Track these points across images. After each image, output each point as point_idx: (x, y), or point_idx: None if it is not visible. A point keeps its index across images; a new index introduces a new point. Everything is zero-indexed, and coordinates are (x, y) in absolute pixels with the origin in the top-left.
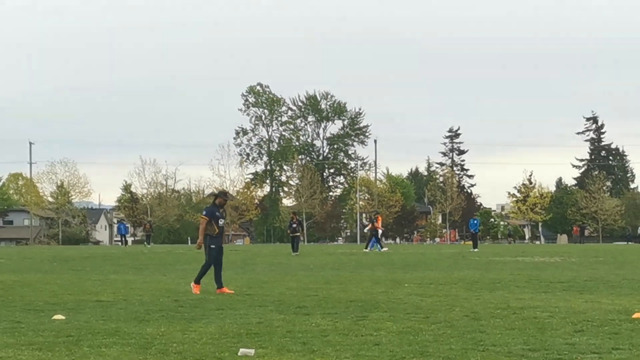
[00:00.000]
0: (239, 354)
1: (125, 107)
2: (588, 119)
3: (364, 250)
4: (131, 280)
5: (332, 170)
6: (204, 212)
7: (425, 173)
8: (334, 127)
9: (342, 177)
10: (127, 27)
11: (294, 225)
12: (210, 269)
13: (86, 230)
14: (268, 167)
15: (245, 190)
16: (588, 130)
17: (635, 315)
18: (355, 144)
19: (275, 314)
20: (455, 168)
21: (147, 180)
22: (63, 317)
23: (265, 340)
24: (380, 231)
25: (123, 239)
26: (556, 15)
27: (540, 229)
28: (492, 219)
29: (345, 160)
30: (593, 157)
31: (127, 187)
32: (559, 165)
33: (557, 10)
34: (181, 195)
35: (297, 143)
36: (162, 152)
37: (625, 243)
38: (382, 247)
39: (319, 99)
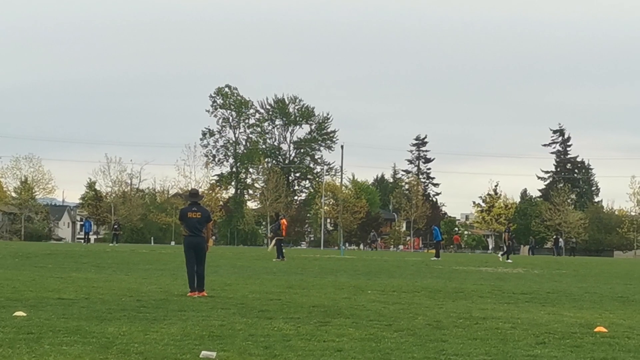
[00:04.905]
0: (200, 356)
1: (91, 105)
2: (555, 132)
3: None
4: (93, 278)
5: (297, 175)
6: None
7: (391, 180)
8: (301, 131)
9: (307, 181)
10: (95, 24)
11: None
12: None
13: (49, 227)
14: (234, 169)
15: (210, 191)
16: (554, 143)
17: (597, 329)
18: (322, 148)
19: (237, 317)
20: (421, 176)
21: (112, 179)
22: (24, 314)
23: (227, 343)
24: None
25: (87, 236)
26: (525, 27)
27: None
28: (456, 228)
29: (311, 165)
30: (558, 169)
31: (91, 185)
32: (524, 176)
33: (526, 22)
34: (145, 195)
35: (263, 146)
36: (128, 150)
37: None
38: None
39: (287, 102)
